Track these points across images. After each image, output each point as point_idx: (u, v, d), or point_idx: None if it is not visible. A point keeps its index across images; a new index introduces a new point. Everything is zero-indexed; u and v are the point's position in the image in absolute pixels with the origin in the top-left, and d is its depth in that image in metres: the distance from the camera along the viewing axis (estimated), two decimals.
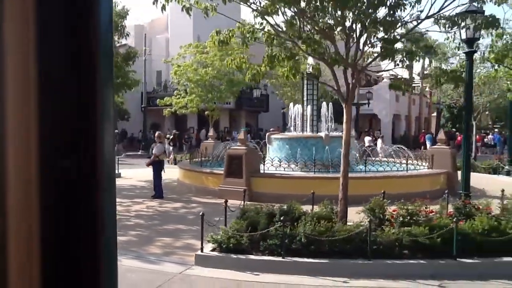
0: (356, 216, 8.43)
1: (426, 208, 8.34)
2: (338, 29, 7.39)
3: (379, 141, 29.45)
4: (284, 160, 14.52)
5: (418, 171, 14.29)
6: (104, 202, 0.65)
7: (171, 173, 15.40)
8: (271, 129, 22.66)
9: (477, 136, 29.89)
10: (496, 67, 12.48)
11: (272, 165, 14.28)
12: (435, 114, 50.97)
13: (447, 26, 7.33)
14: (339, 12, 6.44)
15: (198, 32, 33.77)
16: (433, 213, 8.28)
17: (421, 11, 7.51)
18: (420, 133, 44.69)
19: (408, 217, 7.84)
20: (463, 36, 8.71)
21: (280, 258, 7.26)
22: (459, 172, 12.16)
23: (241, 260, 7.34)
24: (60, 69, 0.61)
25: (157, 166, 13.12)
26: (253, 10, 7.16)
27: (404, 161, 15.61)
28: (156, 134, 14.00)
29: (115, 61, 14.17)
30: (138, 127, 38.28)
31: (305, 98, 16.87)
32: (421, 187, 13.01)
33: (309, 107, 16.51)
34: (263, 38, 7.10)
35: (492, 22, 7.33)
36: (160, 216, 10.96)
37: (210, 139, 19.53)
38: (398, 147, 16.62)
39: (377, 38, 7.17)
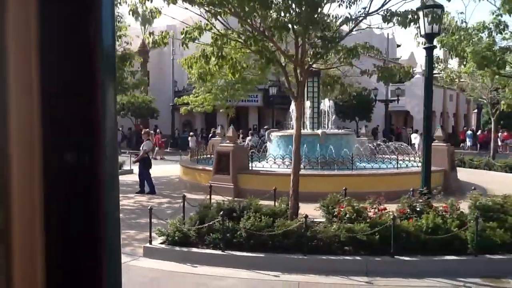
0: (317, 212, 8.58)
1: (380, 205, 8.32)
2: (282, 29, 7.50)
3: (417, 138, 28.94)
4: (281, 157, 14.66)
5: (410, 168, 14.02)
6: (106, 202, 0.66)
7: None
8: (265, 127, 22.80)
9: (505, 133, 28.66)
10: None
11: (267, 162, 14.49)
12: (476, 110, 49.16)
13: (398, 22, 7.28)
14: (265, 13, 6.58)
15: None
16: (385, 211, 8.23)
17: (365, 8, 7.52)
18: (461, 130, 43.38)
19: (355, 214, 7.86)
20: (424, 31, 8.58)
21: (220, 252, 7.50)
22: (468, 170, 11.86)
23: (183, 252, 7.64)
24: (62, 69, 0.62)
25: (146, 163, 13.59)
26: (204, 12, 7.42)
27: (410, 158, 15.49)
28: (143, 131, 14.49)
29: None
30: (168, 125, 39.45)
31: (306, 96, 16.87)
32: (413, 184, 12.81)
33: (308, 104, 16.53)
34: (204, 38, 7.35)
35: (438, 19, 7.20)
36: (141, 210, 11.41)
37: (217, 136, 19.90)
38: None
39: (316, 36, 7.24)
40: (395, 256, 7.23)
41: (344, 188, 9.52)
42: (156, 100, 36.07)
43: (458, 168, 20.96)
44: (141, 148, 13.85)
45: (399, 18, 7.51)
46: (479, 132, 39.81)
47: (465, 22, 8.61)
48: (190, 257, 7.56)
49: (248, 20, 6.92)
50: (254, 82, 23.45)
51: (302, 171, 13.27)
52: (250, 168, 13.64)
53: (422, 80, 31.30)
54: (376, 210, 8.21)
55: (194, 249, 7.69)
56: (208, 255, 7.53)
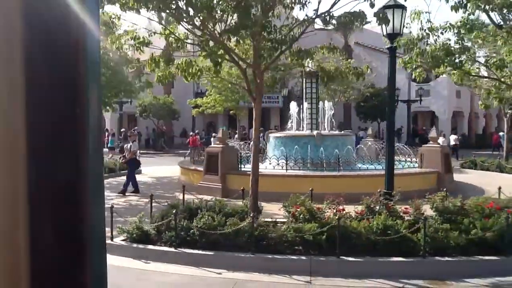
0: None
1: (338, 206, 8.34)
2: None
3: (440, 139, 28.41)
4: (276, 158, 14.78)
5: (401, 170, 13.83)
6: (91, 208, 0.65)
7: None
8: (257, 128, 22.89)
9: None
10: None
11: (261, 163, 14.63)
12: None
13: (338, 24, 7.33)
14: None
15: None
16: (343, 211, 8.25)
17: (316, 10, 7.59)
18: (493, 131, 41.96)
19: (308, 215, 7.92)
20: (386, 31, 8.52)
21: (173, 249, 7.74)
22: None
23: (140, 249, 7.93)
24: (46, 77, 0.61)
25: (134, 163, 13.97)
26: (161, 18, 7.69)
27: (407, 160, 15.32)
28: (130, 133, 14.89)
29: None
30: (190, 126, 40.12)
31: (305, 97, 16.92)
32: (406, 186, 12.67)
33: (305, 105, 16.57)
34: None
35: (385, 19, 7.17)
36: (125, 209, 11.75)
37: (216, 140, 20.12)
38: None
39: (265, 39, 7.36)
40: (341, 257, 7.26)
41: (310, 188, 9.59)
42: (179, 102, 36.71)
43: (468, 170, 20.54)
44: (125, 149, 14.19)
45: (340, 19, 7.57)
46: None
47: (429, 21, 8.50)
48: (146, 254, 7.84)
49: (197, 24, 7.13)
50: (265, 83, 23.64)
51: (289, 172, 13.39)
52: (240, 169, 13.81)
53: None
54: (334, 211, 8.24)
55: (150, 246, 7.96)
56: (162, 252, 7.79)
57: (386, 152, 9.81)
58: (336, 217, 7.37)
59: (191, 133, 31.37)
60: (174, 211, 7.91)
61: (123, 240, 8.28)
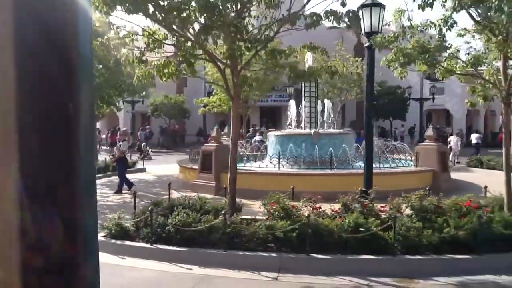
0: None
1: (315, 204, 8.40)
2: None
3: (452, 138, 28.02)
4: (275, 157, 14.87)
5: (394, 169, 13.76)
6: (82, 209, 0.65)
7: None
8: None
9: None
10: None
11: (262, 161, 14.77)
12: None
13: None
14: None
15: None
16: (319, 209, 8.30)
17: (288, 11, 7.64)
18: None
19: (283, 213, 7.99)
20: (364, 30, 8.52)
21: (149, 245, 7.90)
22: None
23: (117, 245, 8.11)
24: (39, 77, 0.61)
25: (123, 162, 14.11)
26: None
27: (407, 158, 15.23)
28: (119, 132, 15.08)
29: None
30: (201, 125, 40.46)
31: (304, 95, 16.95)
32: (400, 185, 12.63)
33: (304, 104, 16.60)
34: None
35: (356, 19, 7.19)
36: (117, 206, 12.02)
37: (225, 136, 20.28)
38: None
39: (237, 39, 7.46)
40: (311, 254, 7.31)
41: (292, 186, 9.64)
42: (190, 101, 36.97)
43: (474, 169, 20.26)
44: (115, 149, 14.34)
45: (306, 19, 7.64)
46: None
47: (409, 20, 8.47)
48: (123, 250, 8.02)
49: (174, 26, 7.28)
50: (269, 82, 23.72)
51: (281, 170, 13.46)
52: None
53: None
54: (311, 209, 8.30)
55: (128, 242, 8.14)
56: (138, 248, 7.96)
57: (365, 151, 9.79)
58: (306, 215, 7.42)
59: (210, 131, 31.68)
60: (150, 208, 8.07)
61: (103, 236, 8.47)
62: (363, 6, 8.46)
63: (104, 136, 34.50)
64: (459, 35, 8.76)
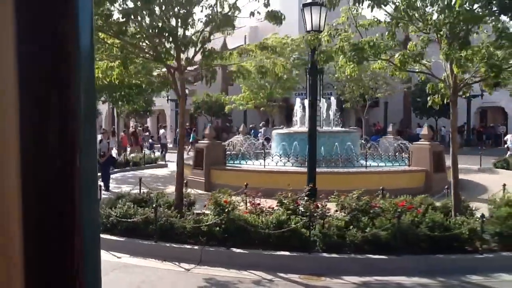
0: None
1: (254, 200, 8.63)
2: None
3: (510, 137, 26.64)
4: (276, 155, 15.13)
5: (382, 168, 13.49)
6: (84, 207, 0.65)
7: None
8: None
9: None
10: None
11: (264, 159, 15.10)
12: None
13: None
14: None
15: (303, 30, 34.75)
16: (258, 206, 8.52)
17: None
18: None
19: (219, 208, 8.29)
20: (305, 29, 8.55)
21: None
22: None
23: None
24: (39, 73, 0.61)
25: (111, 161, 14.58)
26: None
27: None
28: (104, 131, 15.76)
29: None
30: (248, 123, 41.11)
31: (308, 93, 16.95)
32: (391, 185, 12.46)
33: (306, 102, 16.61)
34: None
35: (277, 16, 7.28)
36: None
37: (240, 134, 20.69)
38: None
39: (169, 41, 7.85)
40: (231, 248, 7.57)
41: (245, 183, 9.89)
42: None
43: (500, 170, 19.18)
44: (102, 147, 14.55)
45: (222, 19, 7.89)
46: None
47: (354, 18, 8.43)
48: None
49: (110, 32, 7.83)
50: (292, 81, 23.86)
51: (267, 168, 13.66)
52: (225, 164, 14.34)
53: None
54: (249, 206, 8.54)
55: None
56: None
57: (308, 150, 9.82)
58: (227, 210, 7.69)
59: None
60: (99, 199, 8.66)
61: None
62: (304, 6, 8.54)
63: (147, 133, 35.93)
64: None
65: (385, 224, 7.40)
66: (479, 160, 20.39)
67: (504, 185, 10.31)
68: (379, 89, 26.03)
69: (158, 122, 47.22)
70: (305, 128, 16.57)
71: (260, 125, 24.08)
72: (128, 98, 19.48)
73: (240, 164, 15.21)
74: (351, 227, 7.60)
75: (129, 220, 8.28)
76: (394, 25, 8.07)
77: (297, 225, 7.52)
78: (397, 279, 6.82)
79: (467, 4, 6.42)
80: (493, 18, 6.64)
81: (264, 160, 14.02)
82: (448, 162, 16.44)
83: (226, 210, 7.72)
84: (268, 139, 18.05)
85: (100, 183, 14.77)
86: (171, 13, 7.80)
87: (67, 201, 0.62)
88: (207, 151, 14.12)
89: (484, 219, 7.35)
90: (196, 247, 7.75)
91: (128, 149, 23.09)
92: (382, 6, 7.19)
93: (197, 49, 8.18)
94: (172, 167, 20.77)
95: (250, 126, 26.30)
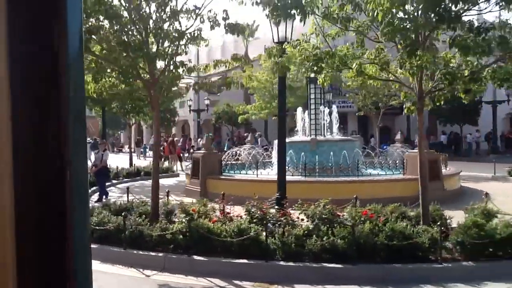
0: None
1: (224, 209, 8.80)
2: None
3: None
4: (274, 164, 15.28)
5: (373, 177, 13.37)
6: (74, 210, 0.65)
7: None
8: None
9: None
10: None
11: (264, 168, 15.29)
12: None
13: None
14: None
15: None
16: (228, 215, 8.68)
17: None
18: None
19: (187, 217, 8.50)
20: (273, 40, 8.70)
21: None
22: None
23: None
24: (29, 73, 0.61)
25: (105, 172, 14.97)
26: None
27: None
28: (100, 142, 16.22)
29: None
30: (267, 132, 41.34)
31: (309, 102, 17.05)
32: (384, 193, 12.39)
33: (307, 111, 16.71)
34: None
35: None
36: None
37: (248, 143, 20.89)
38: None
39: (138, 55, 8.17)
40: (192, 256, 7.76)
41: (222, 192, 10.05)
42: None
43: None
44: (96, 159, 14.75)
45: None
46: None
47: (320, 27, 8.53)
48: None
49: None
50: (303, 89, 23.93)
51: (259, 177, 13.79)
52: (221, 174, 14.57)
53: None
54: (219, 214, 8.72)
55: None
56: None
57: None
58: (187, 219, 7.89)
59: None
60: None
61: None
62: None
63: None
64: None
65: (342, 232, 7.41)
66: (493, 168, 19.80)
67: (486, 193, 10.06)
68: (393, 97, 25.58)
69: (183, 132, 48.15)
70: (304, 138, 16.68)
71: (256, 135, 24.20)
72: (138, 110, 20.03)
73: (240, 173, 15.38)
74: (314, 236, 7.64)
75: (102, 228, 8.59)
76: (359, 35, 8.15)
77: (256, 233, 7.63)
78: None
79: (389, 16, 6.42)
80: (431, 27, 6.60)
81: (257, 169, 14.14)
82: (452, 169, 16.20)
83: (188, 218, 7.91)
84: (266, 149, 18.20)
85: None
86: (137, 27, 8.12)
87: (58, 202, 0.63)
88: (203, 161, 14.39)
89: (442, 228, 7.25)
90: (160, 254, 7.98)
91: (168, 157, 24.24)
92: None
93: (166, 62, 8.47)
94: (183, 176, 21.25)
95: (256, 135, 26.49)
